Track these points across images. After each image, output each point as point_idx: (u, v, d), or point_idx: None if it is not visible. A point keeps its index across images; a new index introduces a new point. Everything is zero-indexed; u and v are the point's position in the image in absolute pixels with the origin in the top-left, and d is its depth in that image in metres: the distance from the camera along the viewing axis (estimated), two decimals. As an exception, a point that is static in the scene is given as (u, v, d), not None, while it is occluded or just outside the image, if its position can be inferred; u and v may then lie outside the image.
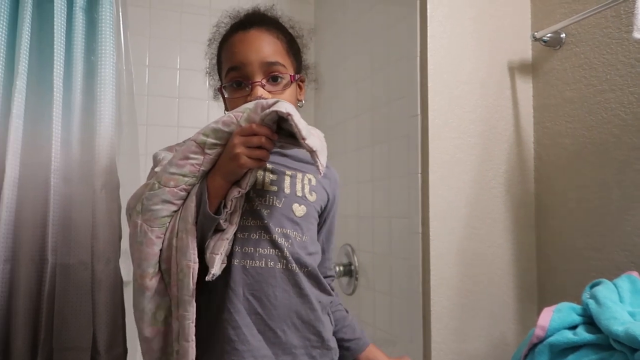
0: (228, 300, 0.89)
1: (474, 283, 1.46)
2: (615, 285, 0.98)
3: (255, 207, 0.93)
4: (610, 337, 0.85)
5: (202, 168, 0.87)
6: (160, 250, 0.89)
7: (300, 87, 1.07)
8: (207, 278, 0.83)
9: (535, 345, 0.96)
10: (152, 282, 0.88)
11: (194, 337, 0.84)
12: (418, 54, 1.48)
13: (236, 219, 0.89)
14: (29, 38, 1.24)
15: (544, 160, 1.52)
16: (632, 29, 1.14)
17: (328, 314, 1.02)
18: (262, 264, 0.90)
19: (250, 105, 0.86)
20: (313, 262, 0.97)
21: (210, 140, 0.86)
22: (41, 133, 1.24)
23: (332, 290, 1.04)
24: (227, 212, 0.87)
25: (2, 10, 1.23)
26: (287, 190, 0.97)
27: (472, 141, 1.49)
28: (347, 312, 1.13)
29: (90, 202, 1.24)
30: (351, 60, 1.96)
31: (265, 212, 0.93)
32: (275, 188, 0.96)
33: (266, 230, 0.92)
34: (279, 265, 0.91)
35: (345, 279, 1.90)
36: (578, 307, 0.97)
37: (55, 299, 1.21)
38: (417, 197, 1.45)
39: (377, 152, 1.74)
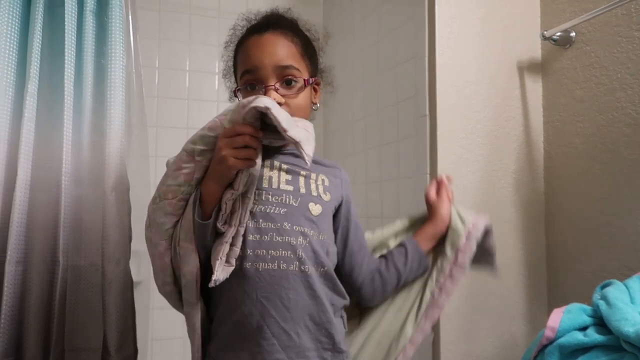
0: (242, 304, 0.89)
1: (483, 284, 1.46)
2: (626, 286, 0.97)
3: (270, 208, 0.93)
4: (621, 338, 0.84)
5: (196, 175, 0.88)
6: (171, 259, 0.92)
7: (315, 91, 1.06)
8: (210, 284, 0.84)
9: (545, 347, 0.95)
10: (175, 288, 0.95)
11: (200, 336, 0.91)
12: (426, 54, 1.47)
13: (235, 221, 0.88)
14: (40, 42, 1.26)
15: (554, 160, 1.51)
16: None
17: (341, 317, 1.01)
18: (274, 266, 0.90)
19: (232, 106, 0.87)
20: (330, 262, 0.97)
21: (199, 147, 0.87)
22: (52, 136, 1.26)
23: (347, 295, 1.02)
24: (223, 214, 0.87)
25: (14, 15, 1.25)
26: (302, 190, 0.97)
27: (480, 141, 1.48)
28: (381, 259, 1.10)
29: (101, 204, 1.25)
30: (359, 60, 1.97)
31: (282, 211, 0.93)
32: (291, 187, 0.96)
33: (280, 231, 0.91)
34: (292, 267, 0.90)
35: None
36: (588, 308, 0.97)
37: (66, 300, 1.23)
38: (426, 197, 1.44)
39: (386, 152, 1.74)
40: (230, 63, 1.08)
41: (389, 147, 1.71)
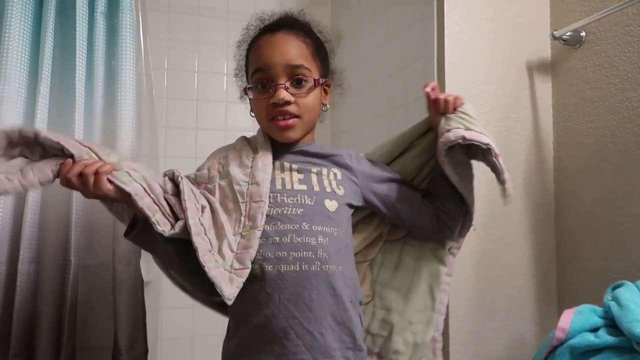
0: (265, 306, 0.89)
1: (493, 284, 1.45)
2: (637, 287, 0.97)
3: (287, 210, 0.93)
4: (633, 339, 0.83)
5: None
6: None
7: (325, 92, 1.07)
8: (228, 303, 0.82)
9: (555, 348, 0.95)
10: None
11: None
12: (435, 54, 1.47)
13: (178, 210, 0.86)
14: (52, 44, 1.27)
15: (564, 160, 1.50)
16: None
17: (359, 315, 1.01)
18: (296, 267, 0.90)
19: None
20: (349, 258, 0.98)
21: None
22: (64, 137, 1.27)
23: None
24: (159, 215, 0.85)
25: (26, 17, 1.26)
26: (316, 188, 0.97)
27: (490, 142, 1.47)
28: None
29: (112, 204, 1.26)
30: (368, 61, 1.96)
31: (299, 212, 0.93)
32: (304, 187, 0.96)
33: (300, 232, 0.92)
34: (313, 268, 0.91)
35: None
36: (599, 309, 0.96)
37: (77, 300, 1.24)
38: (435, 198, 1.44)
39: (394, 153, 1.73)
40: (243, 62, 1.08)
41: (397, 148, 1.71)
